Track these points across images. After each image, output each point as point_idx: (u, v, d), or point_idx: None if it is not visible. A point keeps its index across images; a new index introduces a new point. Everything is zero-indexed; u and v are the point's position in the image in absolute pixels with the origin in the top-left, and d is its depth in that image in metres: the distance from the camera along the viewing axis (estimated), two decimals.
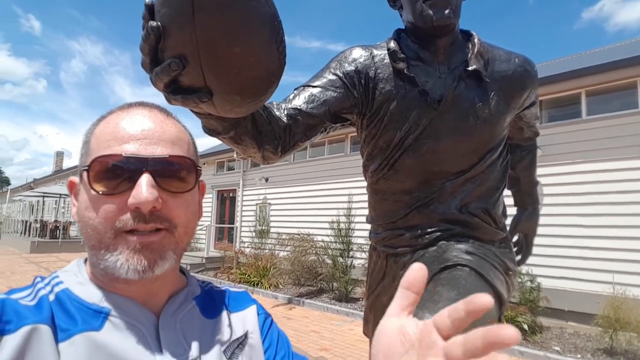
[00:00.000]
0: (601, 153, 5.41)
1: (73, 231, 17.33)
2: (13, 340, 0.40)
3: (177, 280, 0.59)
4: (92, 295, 0.49)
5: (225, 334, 0.57)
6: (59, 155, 33.80)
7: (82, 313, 0.47)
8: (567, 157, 5.67)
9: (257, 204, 11.01)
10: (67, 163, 39.70)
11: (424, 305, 0.88)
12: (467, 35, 1.18)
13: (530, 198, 1.54)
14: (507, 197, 1.30)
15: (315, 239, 8.02)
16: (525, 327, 4.73)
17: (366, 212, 1.35)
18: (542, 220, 1.59)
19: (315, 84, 1.09)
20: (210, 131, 0.85)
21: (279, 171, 10.35)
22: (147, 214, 0.48)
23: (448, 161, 1.13)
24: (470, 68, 1.10)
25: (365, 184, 1.32)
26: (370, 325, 1.33)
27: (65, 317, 0.46)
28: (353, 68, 1.12)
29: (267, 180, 10.75)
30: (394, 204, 1.20)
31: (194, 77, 0.63)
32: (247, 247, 10.30)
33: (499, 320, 0.98)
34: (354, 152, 8.76)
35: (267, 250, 9.39)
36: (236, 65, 0.62)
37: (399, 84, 1.12)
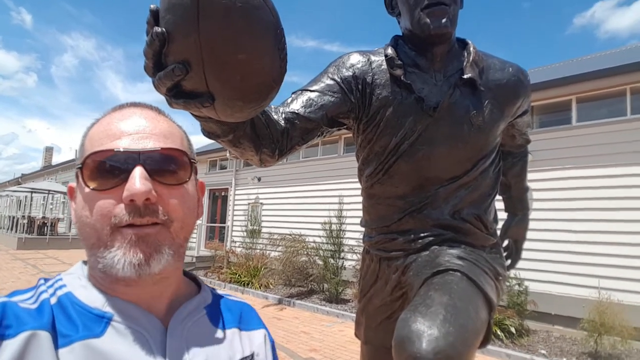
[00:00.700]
0: (590, 160, 5.50)
1: (61, 228, 17.11)
2: (12, 345, 0.40)
3: (183, 285, 0.59)
4: (94, 299, 0.49)
5: (233, 350, 0.56)
6: (49, 150, 33.34)
7: (84, 318, 0.46)
8: (557, 163, 5.75)
9: (249, 204, 10.98)
10: (57, 158, 39.20)
11: (416, 309, 0.90)
12: (463, 44, 1.20)
13: (520, 204, 1.57)
14: (498, 203, 1.32)
15: (306, 240, 8.02)
16: (513, 330, 4.79)
17: (358, 214, 1.37)
18: (530, 224, 1.62)
19: (313, 88, 1.11)
20: (209, 134, 0.86)
21: (271, 171, 10.33)
22: (142, 207, 0.47)
23: (442, 167, 1.15)
24: (465, 76, 1.12)
25: (358, 185, 1.34)
26: (362, 327, 1.35)
27: (66, 322, 0.45)
28: (351, 73, 1.14)
29: (259, 179, 10.73)
30: (388, 209, 1.22)
31: (197, 82, 0.64)
32: (238, 246, 10.26)
33: (489, 325, 1.00)
34: (347, 153, 8.78)
35: (258, 250, 9.38)
36: (240, 72, 0.63)
37: (395, 90, 1.14)
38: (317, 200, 9.03)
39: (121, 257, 0.46)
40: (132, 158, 0.48)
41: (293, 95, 1.10)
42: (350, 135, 1.23)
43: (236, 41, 0.61)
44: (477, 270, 1.07)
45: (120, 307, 0.49)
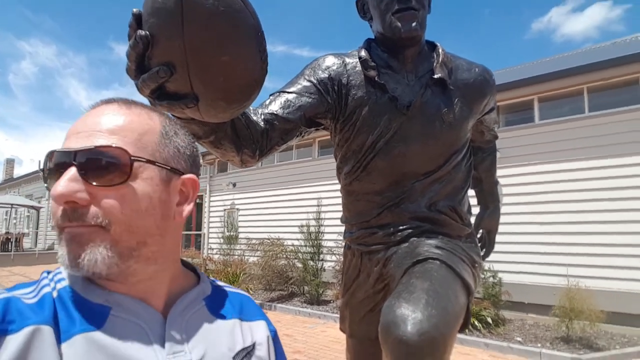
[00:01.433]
0: (553, 155, 5.78)
1: (26, 243, 16.34)
2: (16, 340, 0.40)
3: (182, 276, 0.58)
4: (93, 292, 0.48)
5: (234, 340, 0.56)
6: (9, 162, 31.78)
7: (83, 312, 0.46)
8: (523, 159, 6.01)
9: (224, 210, 10.85)
10: (19, 171, 37.42)
11: (400, 296, 0.94)
12: (432, 46, 1.26)
13: (491, 197, 1.65)
14: (471, 197, 1.39)
15: (285, 243, 8.01)
16: (489, 320, 4.96)
17: (336, 215, 1.41)
18: (501, 218, 1.70)
19: (291, 90, 1.14)
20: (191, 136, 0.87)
21: (246, 176, 10.26)
22: (69, 211, 0.45)
23: (417, 163, 1.20)
24: (436, 76, 1.18)
25: (334, 187, 1.38)
26: (347, 321, 1.38)
27: (66, 316, 0.45)
28: (326, 75, 1.18)
29: (234, 185, 10.63)
30: (367, 204, 1.26)
31: (181, 83, 0.66)
32: (216, 253, 10.12)
33: (468, 309, 1.06)
34: (321, 156, 8.84)
35: (236, 256, 9.27)
36: (223, 73, 0.65)
37: (370, 90, 1.18)
38: (294, 204, 9.03)
39: (60, 255, 0.46)
40: (67, 157, 0.47)
41: (271, 97, 1.13)
42: (325, 138, 1.27)
43: (219, 44, 0.63)
44: (454, 258, 1.12)
45: (118, 300, 0.49)
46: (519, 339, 4.67)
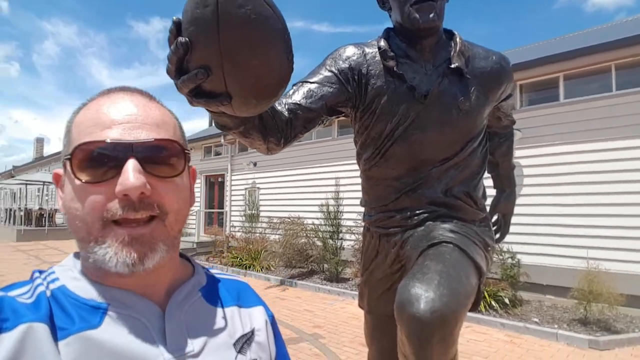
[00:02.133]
0: (577, 135, 5.63)
1: (59, 219, 17.13)
2: (10, 338, 0.39)
3: (179, 269, 0.58)
4: (88, 290, 0.48)
5: (233, 328, 0.56)
6: (39, 141, 33.02)
7: (80, 310, 0.45)
8: (545, 140, 5.87)
9: (246, 189, 11.08)
10: (47, 149, 38.78)
11: (414, 276, 1.02)
12: (449, 35, 1.29)
13: (508, 181, 1.69)
14: (487, 180, 1.43)
15: (305, 222, 8.17)
16: (507, 300, 5.01)
17: (355, 195, 1.48)
18: (521, 199, 1.74)
19: (313, 80, 1.19)
20: (221, 127, 0.95)
21: (267, 156, 10.36)
22: (137, 201, 0.45)
23: (434, 150, 1.25)
24: (453, 65, 1.21)
25: (353, 167, 1.45)
26: (365, 298, 1.47)
27: (62, 315, 0.45)
28: (347, 65, 1.23)
29: (255, 165, 10.79)
30: (385, 189, 1.32)
31: (217, 84, 0.73)
32: (238, 231, 10.40)
33: (479, 289, 1.13)
34: (341, 136, 8.85)
35: (257, 234, 9.53)
36: (254, 75, 0.72)
37: (389, 79, 1.23)
38: (313, 183, 9.14)
39: (113, 255, 0.45)
40: (125, 150, 0.46)
41: (294, 87, 1.19)
42: (344, 118, 1.32)
43: (251, 49, 0.70)
44: (467, 241, 1.18)
45: (115, 296, 0.48)
46: (535, 319, 4.71)
